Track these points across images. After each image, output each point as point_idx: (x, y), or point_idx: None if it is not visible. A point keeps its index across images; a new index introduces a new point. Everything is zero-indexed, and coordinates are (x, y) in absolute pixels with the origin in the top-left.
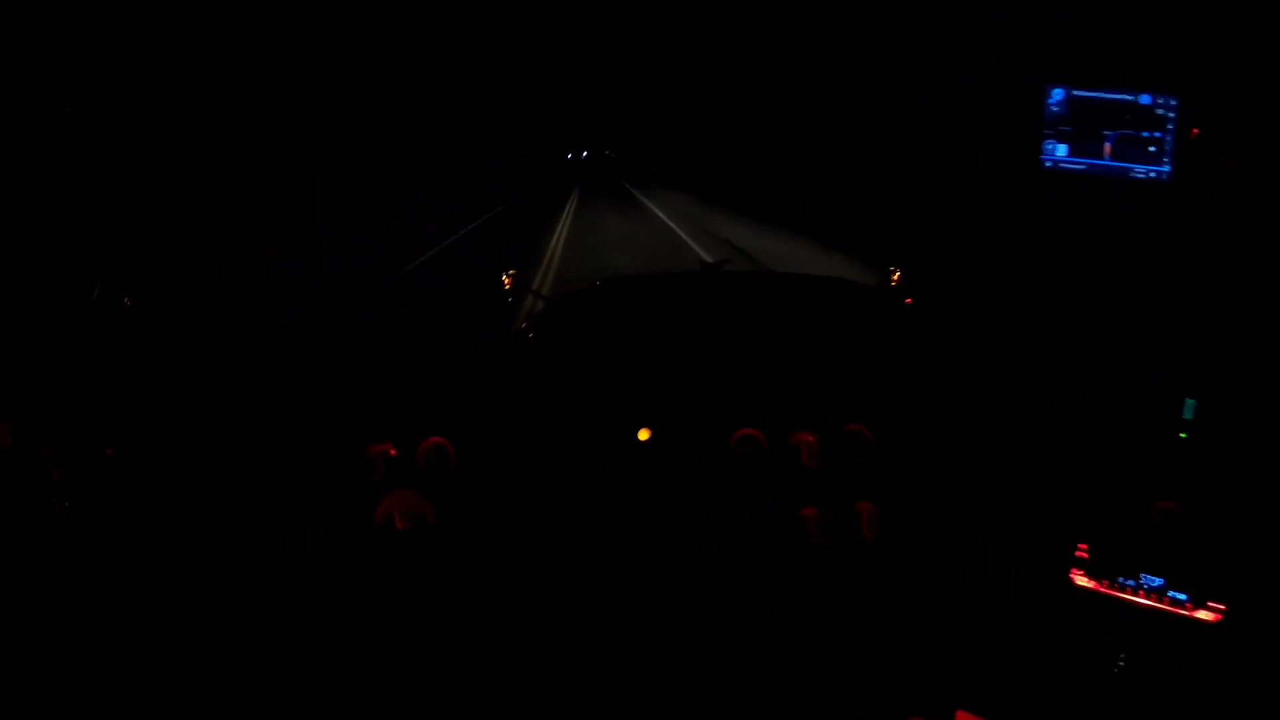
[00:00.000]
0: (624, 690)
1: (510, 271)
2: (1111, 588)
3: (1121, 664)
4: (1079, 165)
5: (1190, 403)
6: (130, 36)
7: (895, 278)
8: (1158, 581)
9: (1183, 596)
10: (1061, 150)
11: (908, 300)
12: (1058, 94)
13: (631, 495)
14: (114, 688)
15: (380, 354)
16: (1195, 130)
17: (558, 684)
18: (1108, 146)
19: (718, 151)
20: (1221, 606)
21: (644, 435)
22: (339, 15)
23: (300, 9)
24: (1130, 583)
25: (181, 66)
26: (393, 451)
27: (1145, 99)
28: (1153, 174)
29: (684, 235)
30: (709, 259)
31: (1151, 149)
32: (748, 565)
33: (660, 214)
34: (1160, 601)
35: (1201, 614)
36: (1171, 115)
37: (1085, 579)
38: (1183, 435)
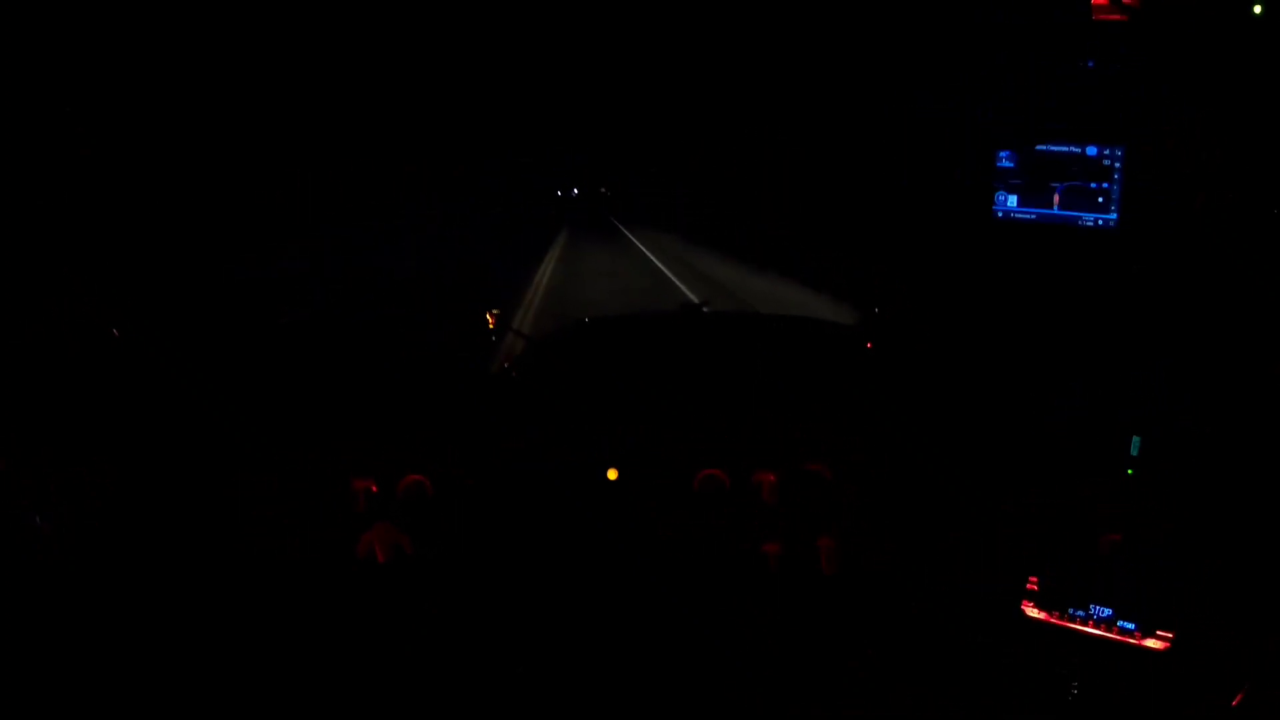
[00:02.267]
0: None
1: (494, 310)
2: (1062, 619)
3: (1075, 693)
4: (1029, 215)
5: (1136, 440)
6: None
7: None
8: (1107, 612)
9: (1131, 626)
10: (1012, 201)
11: (868, 345)
12: (1007, 152)
13: (602, 533)
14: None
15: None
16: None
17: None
18: (1056, 197)
19: (708, 190)
20: (1169, 635)
21: (613, 475)
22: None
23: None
24: (1080, 613)
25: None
26: (374, 488)
27: (1092, 150)
28: (1100, 221)
29: (670, 274)
30: (693, 298)
31: (1099, 199)
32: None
33: (648, 253)
34: (1110, 631)
35: (1150, 642)
36: (1118, 165)
37: (1036, 611)
38: (1130, 471)
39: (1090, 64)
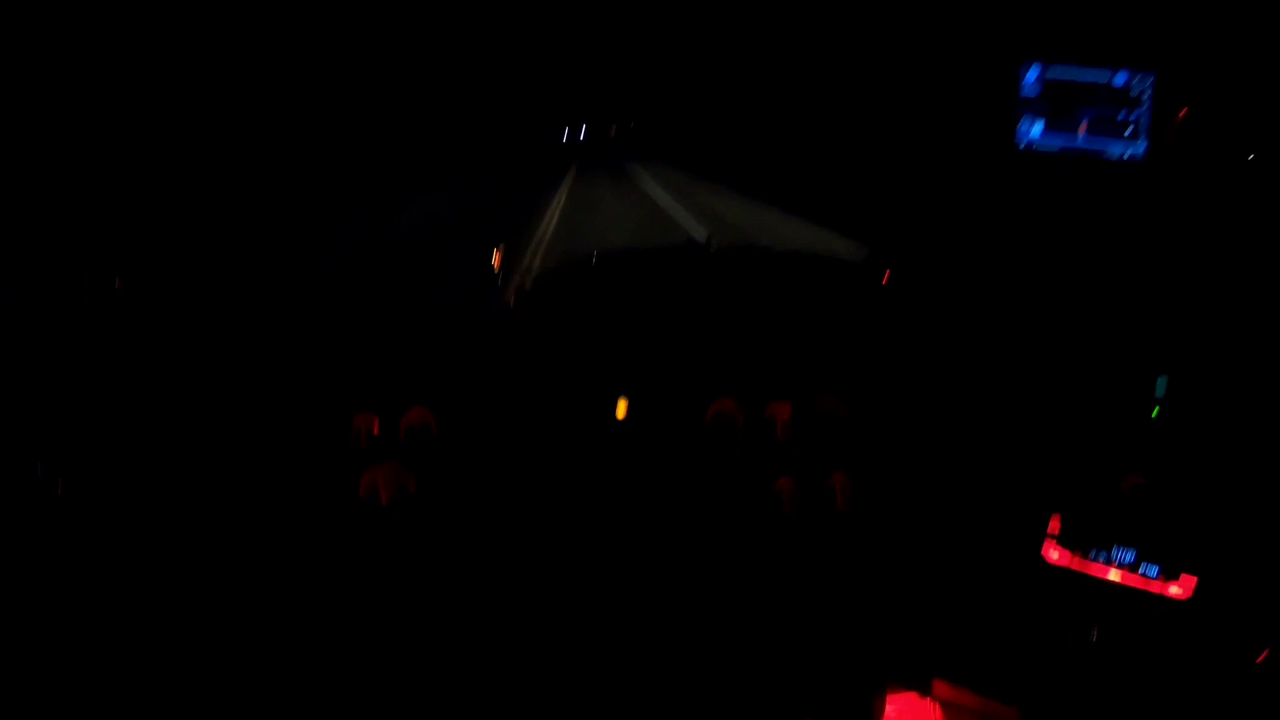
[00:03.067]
0: (628, 632)
1: (499, 246)
2: (1084, 560)
3: (1094, 637)
4: (1053, 145)
5: (1163, 380)
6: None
7: (885, 275)
8: (1130, 555)
9: (1155, 570)
10: (1036, 130)
11: (885, 276)
12: (1033, 72)
13: (612, 468)
14: (101, 669)
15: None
16: (1184, 111)
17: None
18: (1083, 126)
19: (719, 128)
20: (1193, 580)
21: (621, 409)
22: None
23: None
24: (1102, 555)
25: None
26: (376, 423)
27: (1121, 77)
28: (1128, 154)
29: (679, 212)
30: (700, 235)
31: (1128, 130)
32: (726, 536)
33: (660, 191)
34: (1132, 574)
35: (1174, 588)
36: (1148, 93)
37: (1058, 551)
38: (1155, 412)
39: None
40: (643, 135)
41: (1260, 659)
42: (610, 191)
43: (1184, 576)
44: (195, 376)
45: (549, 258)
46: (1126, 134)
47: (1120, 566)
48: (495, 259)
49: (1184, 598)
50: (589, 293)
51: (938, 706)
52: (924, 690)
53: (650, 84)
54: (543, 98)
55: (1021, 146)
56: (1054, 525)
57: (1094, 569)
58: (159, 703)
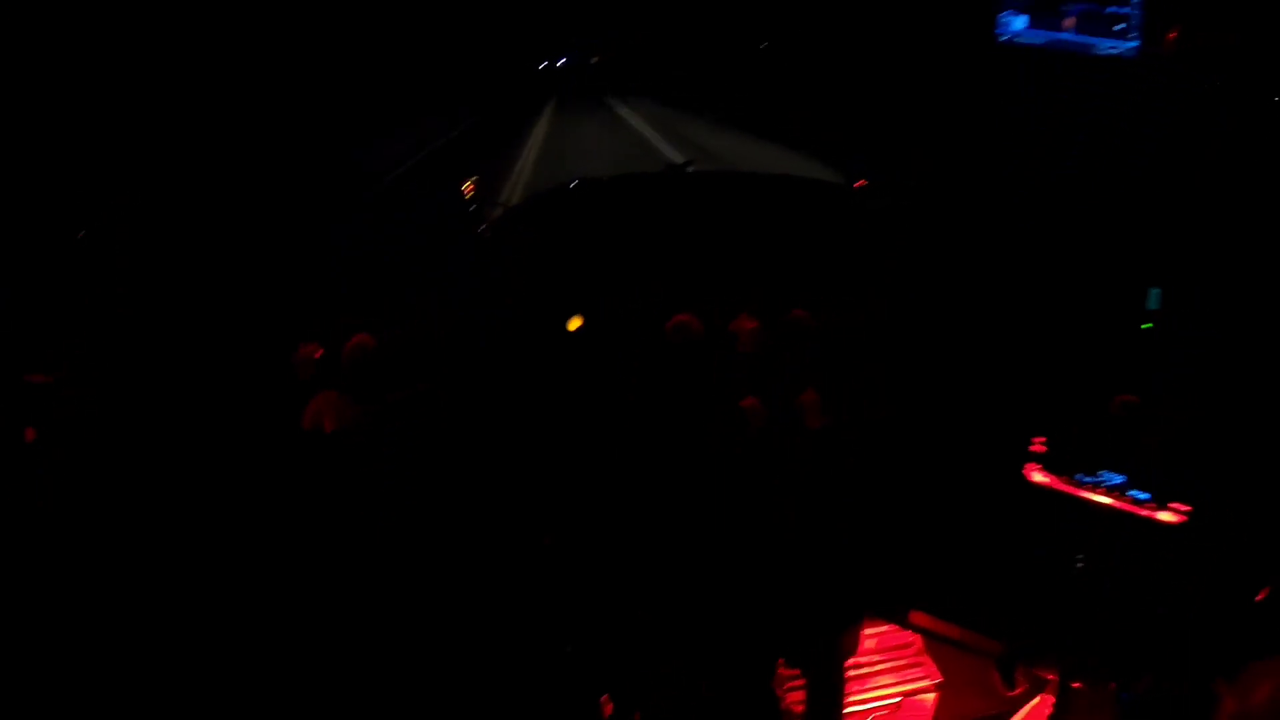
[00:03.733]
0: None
1: (473, 178)
2: (1069, 484)
3: (1080, 564)
4: (1038, 39)
5: (1155, 292)
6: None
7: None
8: (1119, 479)
9: (1145, 496)
10: (1020, 22)
11: (857, 184)
12: None
13: (577, 392)
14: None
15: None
16: (1174, 33)
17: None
18: (1070, 20)
19: (697, 55)
20: (1186, 508)
21: (574, 324)
22: None
23: None
24: (1090, 480)
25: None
26: (318, 353)
27: None
28: (1118, 49)
29: (657, 140)
30: (676, 160)
31: (1119, 25)
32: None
33: (637, 121)
34: (1121, 500)
35: (1164, 515)
36: None
37: (1042, 475)
38: (1146, 325)
39: None
40: (621, 66)
41: (1260, 597)
42: (589, 121)
43: (1174, 505)
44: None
45: (528, 187)
46: (1116, 29)
47: (1109, 491)
48: (468, 188)
49: (1177, 523)
50: (565, 217)
51: (919, 639)
52: (903, 623)
53: (627, 14)
54: (522, 28)
55: (1003, 39)
56: (1038, 446)
57: (1081, 493)
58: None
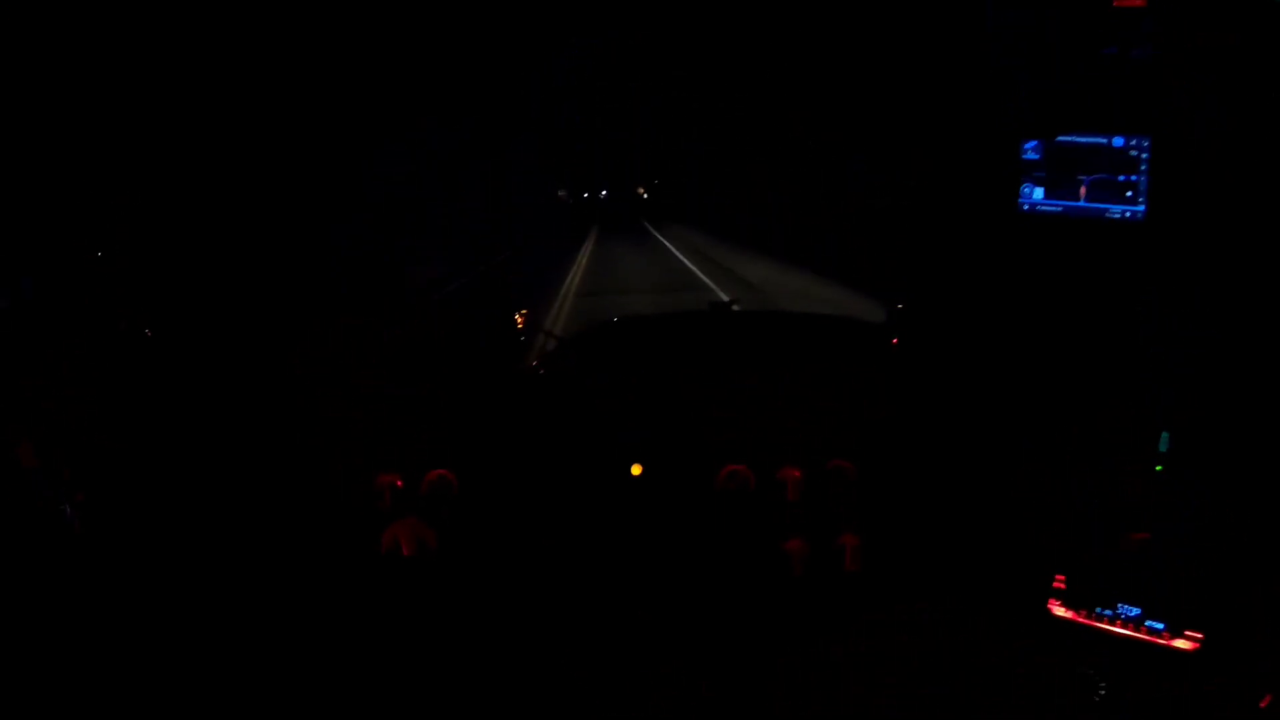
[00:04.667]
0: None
1: (522, 310)
2: (1089, 618)
3: (1102, 693)
4: (1055, 207)
5: (1165, 435)
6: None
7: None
8: (1135, 611)
9: (1160, 625)
10: (1038, 194)
11: (894, 340)
12: (1032, 144)
13: (627, 529)
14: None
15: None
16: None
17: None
18: (1083, 189)
19: (738, 190)
20: (1199, 635)
21: (636, 470)
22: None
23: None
24: (1108, 613)
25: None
26: (399, 483)
27: (1119, 141)
28: (1128, 214)
29: (700, 274)
30: (722, 297)
31: (1128, 192)
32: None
33: (678, 253)
34: (1138, 631)
35: (1179, 642)
36: (1145, 156)
37: (1063, 609)
38: (1158, 468)
39: (1113, 50)
40: (664, 198)
41: (1264, 704)
42: (632, 254)
43: (1189, 632)
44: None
45: (572, 319)
46: (1126, 195)
47: (1126, 623)
48: (519, 320)
49: (1191, 650)
50: (611, 353)
51: None
52: None
53: (672, 148)
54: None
55: (1025, 209)
56: (1059, 582)
57: (1100, 625)
58: None
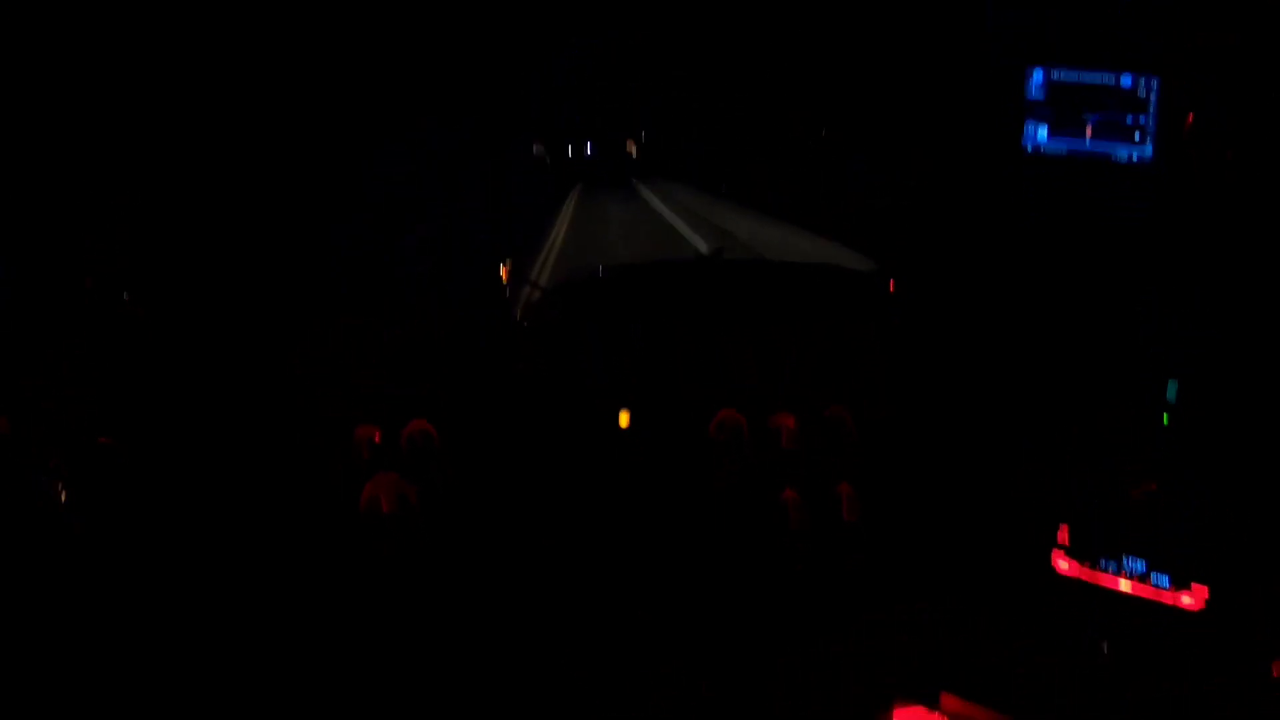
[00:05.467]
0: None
1: (507, 261)
2: (1094, 570)
3: (1105, 649)
4: (1060, 148)
5: (1173, 384)
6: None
7: (891, 284)
8: (1140, 564)
9: (1165, 580)
10: (1042, 133)
11: (890, 287)
12: (1038, 75)
13: (615, 480)
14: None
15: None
16: (1190, 117)
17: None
18: (1089, 129)
19: (724, 142)
20: (1204, 590)
21: (624, 419)
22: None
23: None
24: (1112, 565)
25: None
26: (377, 436)
27: (1126, 80)
28: (1135, 156)
29: (685, 227)
30: (705, 249)
31: (1135, 134)
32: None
33: (663, 207)
34: (1143, 585)
35: (1185, 598)
36: (1154, 96)
37: (1066, 562)
38: (1165, 417)
39: None
40: (650, 151)
41: (1277, 672)
42: (617, 206)
43: (1195, 586)
44: (195, 381)
45: (557, 271)
46: (1135, 137)
47: (1131, 577)
48: (503, 272)
49: (1196, 608)
50: (596, 304)
51: None
52: (932, 704)
53: (657, 100)
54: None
55: (1029, 151)
56: (1063, 534)
57: (1104, 579)
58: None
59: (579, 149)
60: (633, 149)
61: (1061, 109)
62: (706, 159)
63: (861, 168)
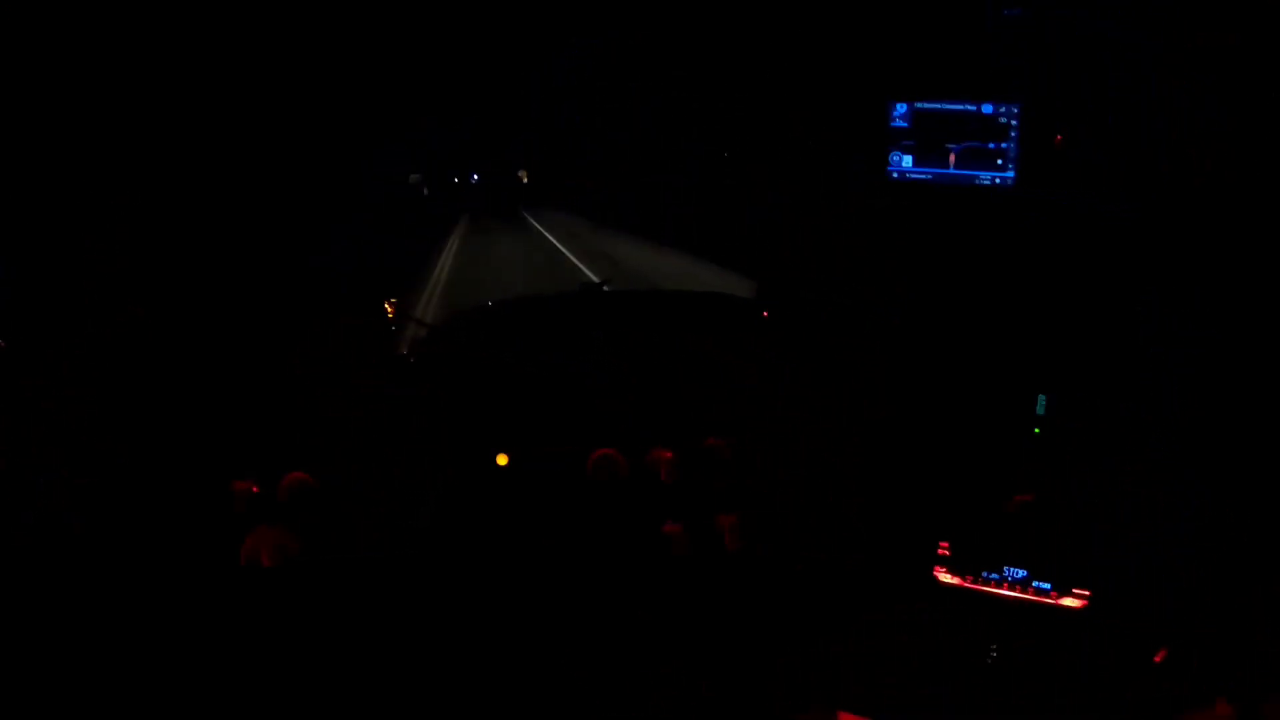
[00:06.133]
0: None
1: (391, 299)
2: (976, 582)
3: (993, 655)
4: (925, 175)
5: (1042, 398)
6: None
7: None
8: (1021, 573)
9: (1047, 586)
10: (907, 161)
11: (764, 314)
12: (900, 108)
13: (494, 519)
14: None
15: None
16: (1059, 137)
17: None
18: (952, 157)
19: (614, 175)
20: (1086, 592)
21: (501, 460)
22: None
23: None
24: (994, 576)
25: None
26: (255, 489)
27: (988, 108)
28: (998, 180)
29: (573, 257)
30: (593, 279)
31: (998, 160)
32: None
33: (551, 237)
34: (1025, 592)
35: (1068, 601)
36: (1014, 123)
37: (949, 575)
38: (1036, 430)
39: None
40: (539, 182)
41: (1158, 659)
42: (505, 239)
43: (1076, 590)
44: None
45: (442, 306)
46: (996, 163)
47: (1013, 585)
48: (389, 310)
49: (1079, 608)
50: (483, 339)
51: None
52: None
53: (546, 132)
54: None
55: (895, 177)
56: (943, 550)
57: (987, 589)
58: None
59: (464, 179)
60: (524, 177)
61: (925, 138)
62: (594, 189)
63: (744, 195)
